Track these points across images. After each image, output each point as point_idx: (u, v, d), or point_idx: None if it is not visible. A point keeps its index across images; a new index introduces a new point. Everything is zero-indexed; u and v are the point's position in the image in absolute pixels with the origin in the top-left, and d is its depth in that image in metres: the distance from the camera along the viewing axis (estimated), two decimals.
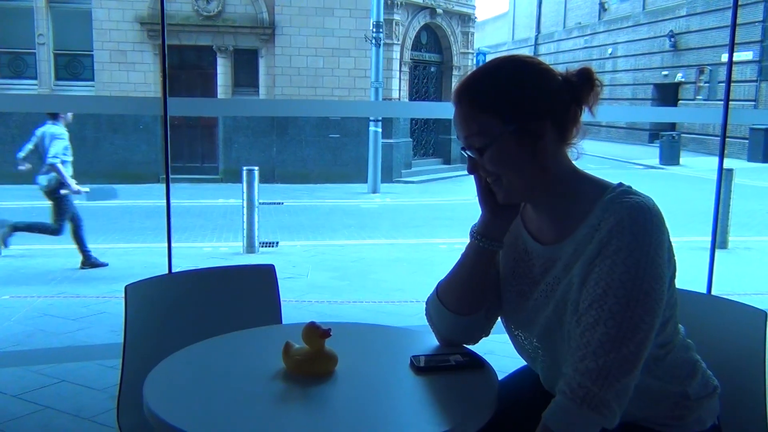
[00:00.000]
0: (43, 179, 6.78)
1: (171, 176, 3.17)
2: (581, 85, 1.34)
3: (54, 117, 6.77)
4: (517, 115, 1.31)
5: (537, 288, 1.42)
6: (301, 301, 5.38)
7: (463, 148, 1.39)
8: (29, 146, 7.05)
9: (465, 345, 1.58)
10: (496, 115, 1.31)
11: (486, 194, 1.43)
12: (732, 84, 3.66)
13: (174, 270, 3.09)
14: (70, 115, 6.92)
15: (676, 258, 1.33)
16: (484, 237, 1.46)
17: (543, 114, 1.31)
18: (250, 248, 7.52)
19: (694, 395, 1.39)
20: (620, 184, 1.35)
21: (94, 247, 7.64)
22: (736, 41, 3.67)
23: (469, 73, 1.38)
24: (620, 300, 1.23)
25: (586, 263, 1.30)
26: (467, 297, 1.51)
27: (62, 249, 7.53)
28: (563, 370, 1.29)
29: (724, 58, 20.75)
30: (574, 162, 1.39)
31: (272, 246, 7.93)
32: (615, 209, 1.28)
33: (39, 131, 6.92)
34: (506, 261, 1.50)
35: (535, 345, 1.46)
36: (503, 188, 1.37)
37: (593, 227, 1.30)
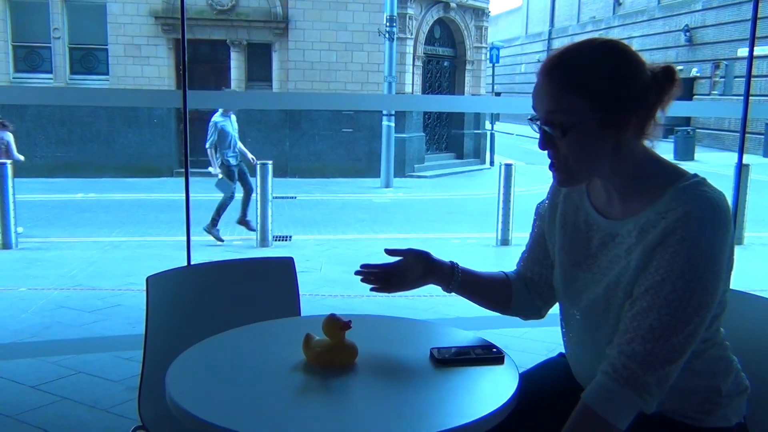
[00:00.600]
0: (233, 159, 7.92)
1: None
2: (666, 84, 1.32)
3: (225, 112, 7.95)
4: (606, 104, 1.29)
5: (593, 262, 1.42)
6: (315, 295, 5.39)
7: (532, 119, 1.36)
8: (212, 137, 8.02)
9: (534, 319, 1.65)
10: (585, 100, 1.29)
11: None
12: (752, 78, 3.62)
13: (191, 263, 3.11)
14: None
15: (734, 258, 1.32)
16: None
17: (630, 108, 1.30)
18: (264, 242, 7.54)
19: (725, 392, 1.38)
20: (695, 175, 1.33)
21: (110, 239, 7.70)
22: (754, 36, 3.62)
23: (564, 48, 1.35)
24: (677, 290, 1.24)
25: (647, 249, 1.29)
26: (492, 306, 1.64)
27: (78, 242, 7.60)
28: (607, 351, 1.29)
29: (741, 52, 20.59)
30: (650, 147, 1.38)
31: (285, 240, 7.95)
32: (685, 200, 1.27)
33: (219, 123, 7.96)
34: (563, 232, 1.50)
35: (578, 319, 1.46)
36: (567, 170, 1.36)
37: (660, 213, 1.29)
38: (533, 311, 1.63)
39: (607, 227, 1.41)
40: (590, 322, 1.43)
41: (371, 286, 1.61)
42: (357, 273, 1.61)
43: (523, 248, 1.66)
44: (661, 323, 1.24)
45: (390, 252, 1.65)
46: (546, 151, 1.37)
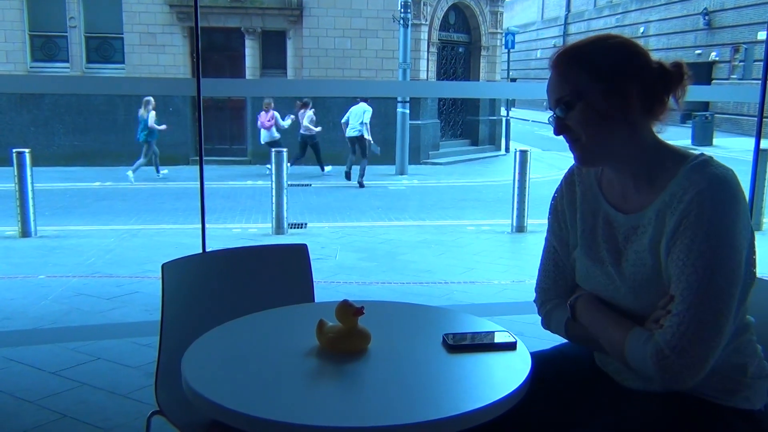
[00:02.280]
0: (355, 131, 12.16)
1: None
2: (673, 74, 1.39)
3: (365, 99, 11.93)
4: (607, 74, 1.37)
5: (619, 257, 1.44)
6: (330, 282, 5.42)
7: (550, 108, 1.44)
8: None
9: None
10: (586, 73, 1.38)
11: None
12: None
13: (207, 250, 3.13)
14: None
15: (754, 233, 1.36)
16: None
17: (631, 78, 1.37)
18: (279, 229, 7.58)
19: (750, 373, 1.40)
20: (701, 154, 1.38)
21: (127, 227, 7.78)
22: None
23: (569, 42, 1.46)
24: (698, 270, 1.28)
25: (669, 236, 1.33)
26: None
27: (96, 230, 7.67)
28: (655, 337, 1.32)
29: (761, 36, 20.27)
30: (659, 135, 1.44)
31: (301, 227, 7.98)
32: (696, 179, 1.32)
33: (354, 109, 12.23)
34: (582, 233, 1.52)
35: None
36: (581, 148, 1.42)
37: (674, 194, 1.34)
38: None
39: (627, 221, 1.43)
40: (618, 307, 1.45)
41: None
42: None
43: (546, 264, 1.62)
44: (689, 305, 1.27)
45: None
46: (563, 136, 1.43)
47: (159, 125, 12.30)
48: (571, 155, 1.45)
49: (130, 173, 11.83)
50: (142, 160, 12.19)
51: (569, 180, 1.57)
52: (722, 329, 1.28)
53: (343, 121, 12.42)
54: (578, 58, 1.40)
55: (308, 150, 13.00)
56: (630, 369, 1.45)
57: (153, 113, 12.18)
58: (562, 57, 1.42)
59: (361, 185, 11.75)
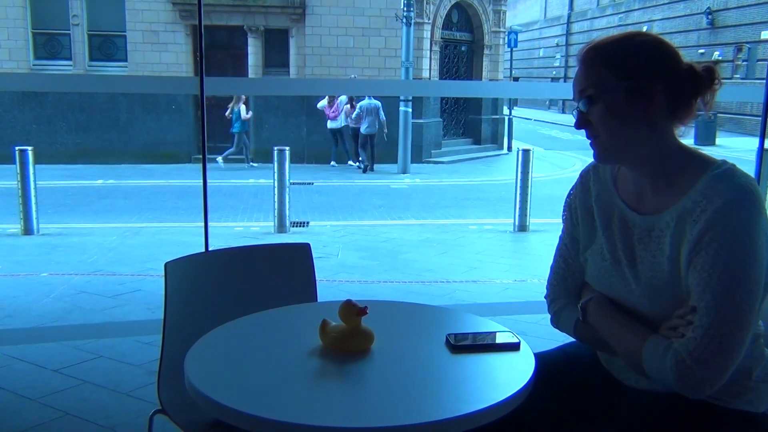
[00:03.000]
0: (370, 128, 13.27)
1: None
2: (703, 78, 1.37)
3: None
4: (632, 74, 1.36)
5: (633, 258, 1.43)
6: (331, 281, 5.41)
7: (575, 100, 1.44)
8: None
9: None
10: (612, 71, 1.36)
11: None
12: None
13: (209, 249, 3.13)
14: None
15: None
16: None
17: (657, 79, 1.35)
18: (281, 228, 7.57)
19: (755, 376, 1.39)
20: (724, 162, 1.36)
21: (129, 225, 7.78)
22: None
23: (602, 37, 1.45)
24: (723, 283, 1.27)
25: (691, 244, 1.32)
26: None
27: (98, 228, 7.68)
28: (675, 347, 1.30)
29: (764, 35, 20.24)
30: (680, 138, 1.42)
31: (303, 226, 7.98)
32: (721, 190, 1.30)
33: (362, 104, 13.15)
34: (602, 232, 1.50)
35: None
36: (600, 145, 1.41)
37: (696, 202, 1.32)
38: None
39: (643, 223, 1.42)
40: (629, 308, 1.44)
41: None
42: None
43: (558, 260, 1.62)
44: (710, 318, 1.27)
45: None
46: (584, 131, 1.42)
47: (246, 114, 13.54)
48: (579, 153, 1.45)
49: (220, 159, 13.04)
50: (233, 149, 13.49)
51: (585, 178, 1.56)
52: (743, 342, 1.28)
53: (354, 116, 13.34)
54: (605, 53, 1.38)
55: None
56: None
57: (243, 106, 13.39)
58: (590, 51, 1.40)
59: (371, 169, 13.27)
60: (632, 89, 1.35)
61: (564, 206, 1.60)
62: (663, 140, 1.38)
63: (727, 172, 1.33)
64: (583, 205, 1.54)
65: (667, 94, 1.35)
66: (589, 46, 1.42)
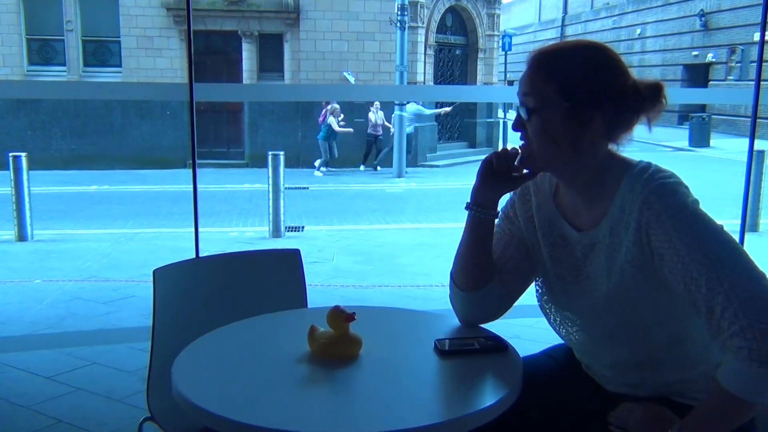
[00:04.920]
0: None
1: (197, 161, 3.20)
2: (647, 97, 1.34)
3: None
4: (575, 95, 1.33)
5: (579, 273, 1.42)
6: (326, 286, 5.41)
7: (519, 101, 1.41)
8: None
9: (486, 322, 1.59)
10: (557, 86, 1.33)
11: (483, 164, 1.46)
12: (764, 63, 3.58)
13: (201, 254, 3.13)
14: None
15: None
16: (475, 206, 1.49)
17: (598, 106, 1.32)
18: (276, 233, 7.57)
19: None
20: (640, 162, 1.35)
21: (123, 231, 7.77)
22: None
23: (553, 42, 1.43)
24: (700, 260, 1.22)
25: (641, 252, 1.30)
26: (472, 271, 1.52)
27: (93, 234, 7.67)
28: (726, 343, 1.22)
29: (756, 37, 20.30)
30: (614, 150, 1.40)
31: (298, 230, 7.98)
32: (637, 189, 1.29)
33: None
34: (543, 246, 1.50)
35: (574, 324, 1.47)
36: (529, 152, 1.39)
37: (622, 207, 1.32)
38: (496, 307, 1.57)
39: (582, 239, 1.41)
40: (588, 324, 1.44)
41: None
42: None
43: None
44: (732, 294, 1.19)
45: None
46: (519, 133, 1.41)
47: (338, 128, 13.74)
48: None
49: (318, 171, 13.59)
50: (325, 157, 13.76)
51: (524, 187, 1.52)
52: (763, 275, 1.21)
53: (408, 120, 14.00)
54: (555, 65, 1.35)
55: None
56: (615, 374, 1.45)
57: (333, 118, 13.64)
58: (539, 57, 1.37)
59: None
60: (571, 112, 1.32)
61: (505, 205, 1.56)
62: (593, 158, 1.36)
63: (641, 169, 1.32)
64: (523, 213, 1.53)
65: (605, 119, 1.33)
66: (541, 51, 1.38)
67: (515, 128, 1.41)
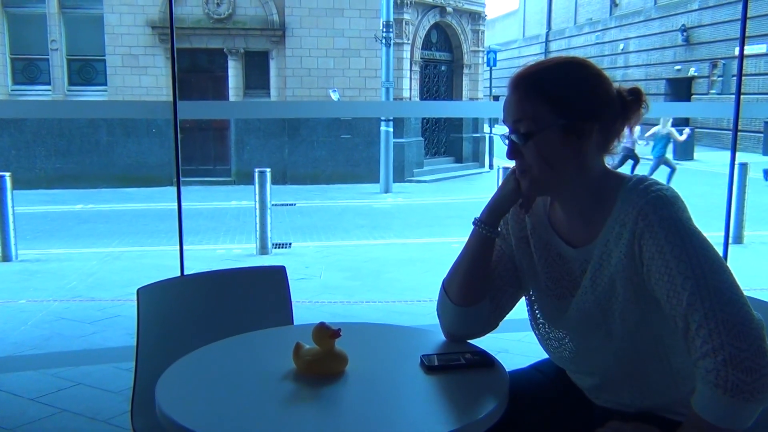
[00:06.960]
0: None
1: (183, 179, 3.19)
2: (631, 102, 1.37)
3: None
4: (569, 111, 1.33)
5: (578, 289, 1.42)
6: (314, 302, 5.39)
7: (505, 135, 1.41)
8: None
9: (473, 338, 1.58)
10: (549, 106, 1.33)
11: (513, 188, 1.45)
12: (744, 77, 3.63)
13: (186, 272, 3.11)
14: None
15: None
16: (482, 223, 1.50)
17: (593, 116, 1.34)
18: (263, 250, 7.54)
19: None
20: (635, 176, 1.37)
21: (109, 250, 7.71)
22: (748, 34, 3.64)
23: (531, 63, 1.41)
24: (687, 274, 1.23)
25: (633, 262, 1.30)
26: (468, 286, 1.52)
27: (78, 253, 7.60)
28: (699, 363, 1.22)
29: (738, 51, 20.56)
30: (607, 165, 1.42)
31: (285, 247, 7.95)
32: (633, 200, 1.30)
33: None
34: (540, 267, 1.49)
35: (565, 338, 1.47)
36: (530, 179, 1.39)
37: (619, 221, 1.32)
38: (484, 324, 1.56)
39: (579, 255, 1.42)
40: (580, 338, 1.44)
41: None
42: None
43: None
44: (711, 314, 1.20)
45: None
46: (514, 161, 1.41)
47: (680, 136, 13.55)
48: None
49: None
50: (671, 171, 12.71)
51: (518, 208, 1.51)
52: (751, 314, 1.21)
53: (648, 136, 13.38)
54: (540, 85, 1.35)
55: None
56: (603, 389, 1.45)
57: (672, 129, 13.18)
58: (524, 81, 1.36)
59: None
60: (568, 127, 1.33)
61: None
62: (591, 170, 1.38)
63: (636, 182, 1.33)
64: (517, 233, 1.53)
65: (601, 128, 1.35)
66: (523, 73, 1.37)
67: (510, 156, 1.40)
